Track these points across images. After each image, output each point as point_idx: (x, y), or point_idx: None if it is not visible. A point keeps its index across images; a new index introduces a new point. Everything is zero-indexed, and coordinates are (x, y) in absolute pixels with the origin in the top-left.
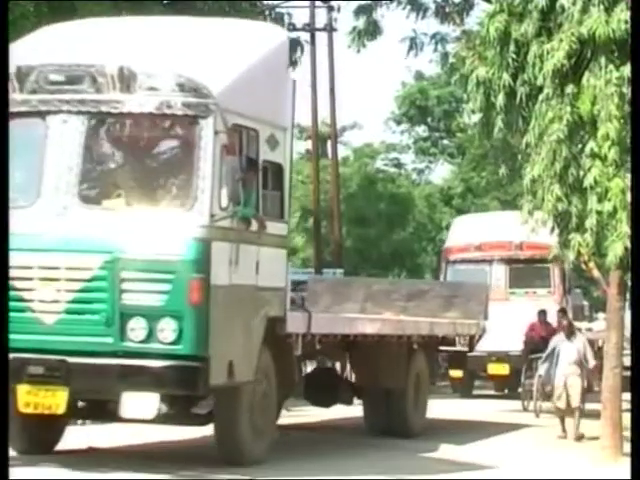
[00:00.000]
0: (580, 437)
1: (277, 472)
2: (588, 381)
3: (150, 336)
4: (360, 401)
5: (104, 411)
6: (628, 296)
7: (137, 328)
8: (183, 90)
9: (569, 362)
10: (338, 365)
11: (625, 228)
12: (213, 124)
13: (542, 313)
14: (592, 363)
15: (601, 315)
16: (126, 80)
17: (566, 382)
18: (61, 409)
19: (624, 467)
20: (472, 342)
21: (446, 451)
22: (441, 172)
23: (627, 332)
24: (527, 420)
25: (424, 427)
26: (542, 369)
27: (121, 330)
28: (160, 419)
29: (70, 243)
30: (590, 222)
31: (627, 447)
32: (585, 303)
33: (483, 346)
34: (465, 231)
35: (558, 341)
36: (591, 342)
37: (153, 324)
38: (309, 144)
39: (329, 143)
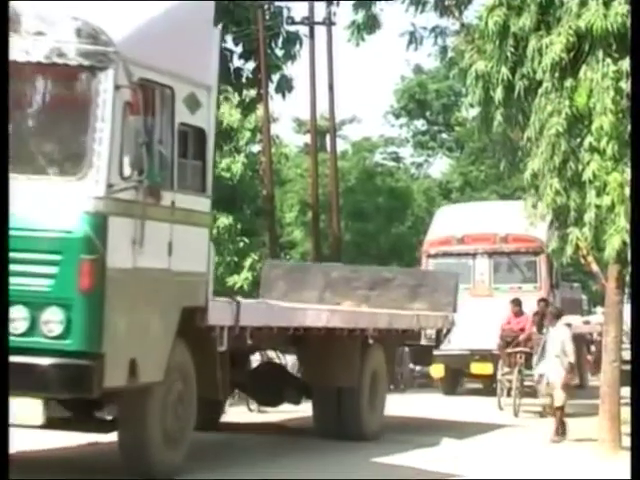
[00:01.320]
0: (558, 439)
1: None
2: (580, 377)
3: (33, 328)
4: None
5: None
6: (627, 290)
7: (17, 319)
8: (79, 36)
9: (550, 355)
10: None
11: (623, 222)
12: (114, 77)
13: (516, 303)
14: (571, 358)
15: (599, 309)
16: (11, 23)
17: (548, 378)
18: None
19: (623, 461)
20: (439, 337)
21: (409, 454)
22: (440, 166)
23: (626, 326)
24: (507, 420)
25: (381, 429)
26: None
27: None
28: (56, 424)
29: None
30: (589, 216)
31: (625, 441)
32: (584, 297)
33: (466, 344)
34: (447, 223)
35: (547, 332)
36: (584, 335)
37: (36, 314)
38: (308, 138)
39: (328, 137)
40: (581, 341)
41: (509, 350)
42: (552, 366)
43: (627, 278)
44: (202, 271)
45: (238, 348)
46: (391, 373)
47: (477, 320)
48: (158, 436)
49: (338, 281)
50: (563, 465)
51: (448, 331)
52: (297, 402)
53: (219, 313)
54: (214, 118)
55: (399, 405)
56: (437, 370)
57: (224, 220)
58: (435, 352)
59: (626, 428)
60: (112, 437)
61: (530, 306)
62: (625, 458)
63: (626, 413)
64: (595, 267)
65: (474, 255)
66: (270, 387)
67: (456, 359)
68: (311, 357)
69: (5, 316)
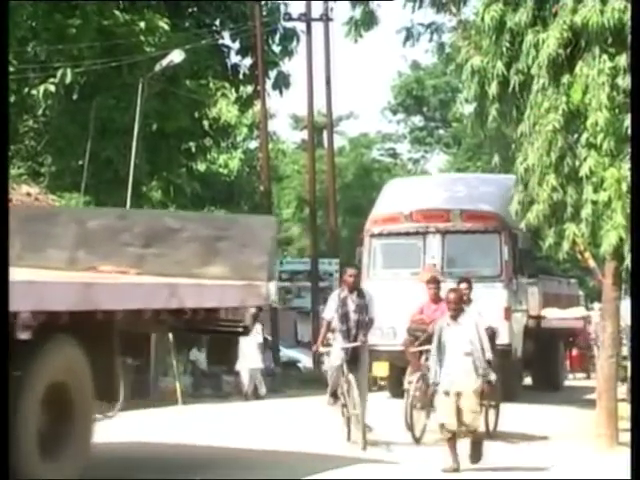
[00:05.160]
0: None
1: None
2: (555, 376)
3: None
4: None
5: None
6: (624, 286)
7: None
8: None
9: (457, 355)
10: None
11: (620, 218)
12: None
13: (433, 284)
14: (487, 356)
15: (597, 305)
16: None
17: (452, 387)
18: None
19: (620, 457)
20: (250, 320)
21: None
22: (437, 162)
23: (623, 322)
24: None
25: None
26: (430, 366)
27: None
28: None
29: None
30: (585, 212)
31: (622, 437)
32: (580, 293)
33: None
34: (395, 198)
35: (443, 325)
36: (565, 330)
37: None
38: (305, 134)
39: (325, 133)
40: (558, 337)
41: (412, 348)
42: (460, 368)
43: (624, 274)
44: None
45: None
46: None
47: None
48: None
49: (98, 234)
50: (560, 461)
51: (260, 310)
52: None
53: None
54: None
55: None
56: (381, 368)
57: None
58: (380, 348)
59: (623, 424)
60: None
61: (488, 294)
62: (622, 454)
63: (621, 409)
64: (592, 263)
65: (424, 234)
66: None
67: (403, 356)
68: None
69: (5, 316)
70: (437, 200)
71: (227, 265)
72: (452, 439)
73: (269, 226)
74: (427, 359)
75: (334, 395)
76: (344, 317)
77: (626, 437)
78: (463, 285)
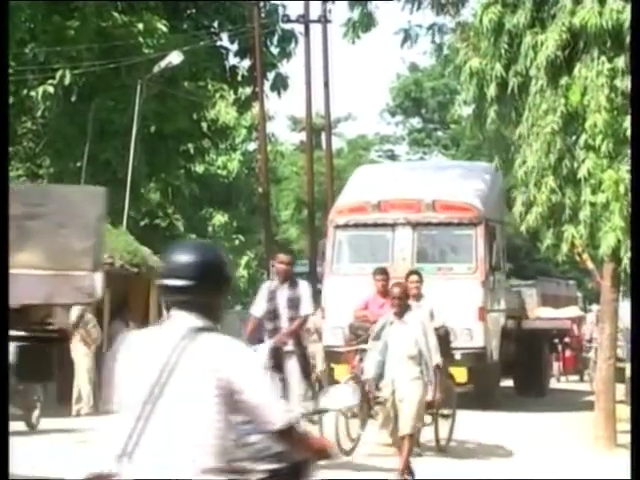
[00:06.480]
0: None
1: None
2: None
3: None
4: None
5: None
6: (622, 288)
7: None
8: None
9: (401, 357)
10: None
11: (618, 220)
12: None
13: (380, 275)
14: (436, 359)
15: (595, 307)
16: None
17: (394, 392)
18: None
19: (618, 458)
20: (75, 321)
21: None
22: None
23: (621, 324)
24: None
25: None
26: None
27: None
28: None
29: None
30: (584, 214)
31: (620, 438)
32: (579, 295)
33: None
34: (362, 185)
35: (386, 323)
36: (549, 331)
37: None
38: (303, 136)
39: (323, 135)
40: (541, 338)
41: (347, 348)
42: (404, 373)
43: (622, 276)
44: None
45: None
46: None
47: None
48: None
49: None
50: (559, 462)
51: (84, 311)
52: None
53: None
54: None
55: None
56: (343, 372)
57: (220, 218)
58: (342, 349)
59: (621, 425)
60: None
61: (461, 293)
62: (620, 455)
63: (620, 410)
64: (590, 265)
65: (393, 226)
66: None
67: None
68: None
69: (5, 316)
70: (408, 189)
71: (39, 250)
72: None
73: (95, 200)
74: (362, 360)
75: None
76: (272, 313)
77: (624, 439)
78: (412, 278)
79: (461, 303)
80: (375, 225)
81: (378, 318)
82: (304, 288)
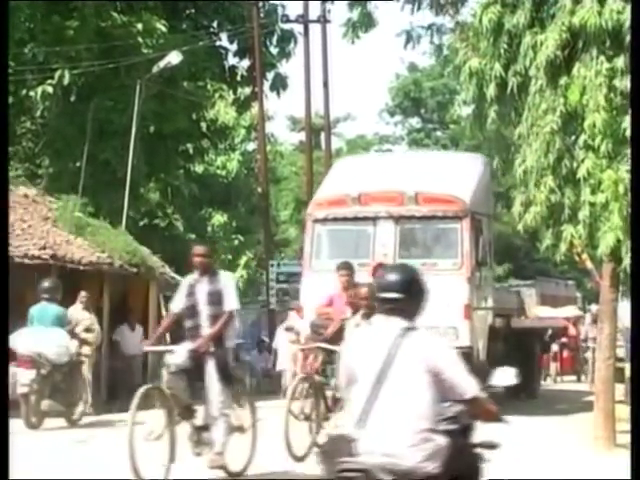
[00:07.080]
0: None
1: None
2: (532, 381)
3: None
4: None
5: None
6: (621, 288)
7: None
8: None
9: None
10: None
11: (617, 220)
12: None
13: (344, 269)
14: None
15: (594, 307)
16: None
17: None
18: None
19: (618, 458)
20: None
21: None
22: None
23: (620, 324)
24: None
25: None
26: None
27: None
28: None
29: None
30: (583, 214)
31: (620, 438)
32: (578, 294)
33: None
34: (342, 178)
35: (352, 326)
36: (541, 329)
37: None
38: (303, 136)
39: (323, 135)
40: (532, 338)
41: (301, 346)
42: None
43: (622, 276)
44: None
45: None
46: None
47: None
48: None
49: None
50: (558, 463)
51: None
52: None
53: None
54: None
55: None
56: None
57: (219, 218)
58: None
59: (620, 425)
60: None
61: (446, 290)
62: (620, 455)
63: (619, 410)
64: (589, 265)
65: (374, 220)
66: None
67: None
68: None
69: (5, 316)
70: (390, 181)
71: None
72: None
73: None
74: (316, 358)
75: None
76: (191, 310)
77: (624, 439)
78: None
79: (446, 300)
80: (355, 219)
81: (342, 316)
82: (226, 280)
